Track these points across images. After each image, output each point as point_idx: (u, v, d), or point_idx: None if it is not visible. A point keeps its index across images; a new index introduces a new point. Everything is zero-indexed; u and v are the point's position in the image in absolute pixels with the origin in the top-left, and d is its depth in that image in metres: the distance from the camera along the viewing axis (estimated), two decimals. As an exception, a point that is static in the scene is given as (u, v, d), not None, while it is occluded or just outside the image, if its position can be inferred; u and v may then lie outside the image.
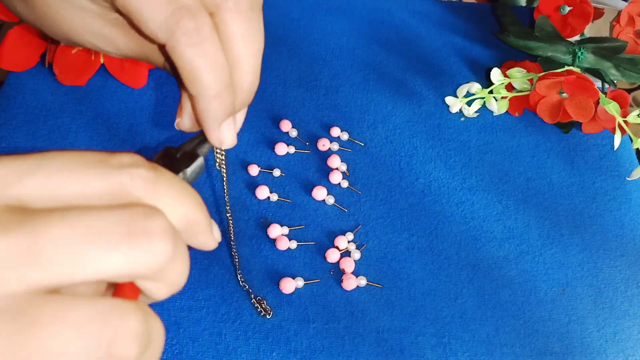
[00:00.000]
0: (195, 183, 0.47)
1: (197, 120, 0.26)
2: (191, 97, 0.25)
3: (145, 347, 0.16)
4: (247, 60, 0.26)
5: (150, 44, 0.26)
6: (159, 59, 0.27)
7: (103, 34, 0.26)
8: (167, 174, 0.18)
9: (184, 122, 0.27)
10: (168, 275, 0.18)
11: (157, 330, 0.17)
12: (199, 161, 0.24)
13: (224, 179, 0.32)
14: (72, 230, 0.15)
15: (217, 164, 0.29)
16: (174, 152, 0.24)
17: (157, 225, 0.16)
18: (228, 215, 0.37)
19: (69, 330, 0.15)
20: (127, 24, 0.26)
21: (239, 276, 0.42)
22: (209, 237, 0.20)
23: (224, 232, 0.45)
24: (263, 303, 0.42)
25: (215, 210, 0.46)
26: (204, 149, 0.25)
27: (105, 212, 0.16)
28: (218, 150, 0.28)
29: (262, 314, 0.41)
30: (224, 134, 0.26)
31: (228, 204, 0.35)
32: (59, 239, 0.15)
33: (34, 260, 0.15)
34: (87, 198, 0.17)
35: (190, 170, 0.23)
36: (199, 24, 0.23)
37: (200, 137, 0.26)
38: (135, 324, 0.16)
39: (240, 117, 0.28)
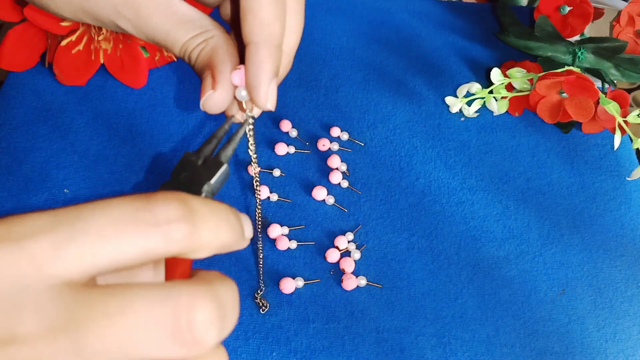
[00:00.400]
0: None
1: (248, 79, 0.25)
2: (249, 51, 0.25)
3: (222, 324, 0.16)
4: (292, 37, 0.27)
5: (175, 21, 0.26)
6: (179, 39, 0.26)
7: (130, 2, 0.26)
8: (202, 214, 0.18)
9: (219, 94, 0.26)
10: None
11: (230, 297, 0.17)
12: (224, 169, 0.23)
13: (254, 160, 0.30)
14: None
15: (250, 148, 0.28)
16: (195, 159, 0.23)
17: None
18: (258, 214, 0.35)
19: (140, 320, 0.15)
20: None
21: (261, 283, 0.42)
22: (241, 245, 0.20)
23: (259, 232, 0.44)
24: (263, 299, 0.42)
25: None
26: (228, 151, 0.24)
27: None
28: (249, 129, 0.27)
29: (259, 307, 0.42)
30: (272, 93, 0.26)
31: (259, 205, 0.34)
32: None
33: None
34: (127, 260, 0.16)
35: (214, 180, 0.22)
36: None
37: (218, 137, 0.25)
38: (208, 308, 0.16)
39: (275, 89, 0.28)
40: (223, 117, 0.29)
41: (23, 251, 0.15)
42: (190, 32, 0.26)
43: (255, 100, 0.26)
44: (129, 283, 0.16)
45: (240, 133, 0.25)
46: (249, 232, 0.20)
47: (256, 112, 0.28)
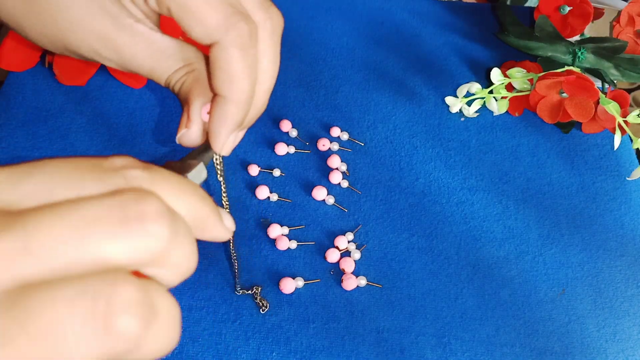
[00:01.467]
0: (204, 188, 0.47)
1: (210, 126, 0.26)
2: (216, 101, 0.26)
3: (147, 319, 0.15)
4: (266, 80, 0.28)
5: (157, 58, 0.26)
6: (162, 74, 0.27)
7: (111, 40, 0.26)
8: (162, 172, 0.18)
9: (192, 132, 0.27)
10: (172, 260, 0.17)
11: (165, 304, 0.16)
12: (199, 167, 0.24)
13: (223, 189, 0.32)
14: (63, 221, 0.15)
15: (218, 175, 0.30)
16: (174, 165, 0.24)
17: (150, 208, 0.16)
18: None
19: (60, 308, 0.14)
20: (140, 32, 0.26)
21: (237, 286, 0.42)
22: (220, 229, 0.20)
23: (248, 240, 0.45)
24: (263, 300, 0.42)
25: (241, 218, 0.46)
26: (205, 158, 0.25)
27: (95, 200, 0.16)
28: (218, 162, 0.29)
29: (259, 307, 0.41)
30: (229, 142, 0.27)
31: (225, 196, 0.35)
32: (49, 232, 0.15)
33: (26, 255, 0.14)
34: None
35: (190, 175, 0.23)
36: (252, 31, 0.25)
37: (200, 148, 0.26)
38: (129, 293, 0.15)
39: (241, 135, 0.29)
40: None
41: None
42: (173, 66, 0.27)
43: (212, 145, 0.26)
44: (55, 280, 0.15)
45: (206, 159, 0.26)
46: (228, 221, 0.21)
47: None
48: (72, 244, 0.15)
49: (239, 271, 0.42)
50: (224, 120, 0.26)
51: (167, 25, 0.47)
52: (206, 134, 0.27)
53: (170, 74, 0.27)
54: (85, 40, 0.26)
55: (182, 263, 0.17)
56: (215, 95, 0.26)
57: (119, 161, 0.17)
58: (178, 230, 0.17)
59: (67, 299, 0.14)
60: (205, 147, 0.27)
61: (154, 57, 0.26)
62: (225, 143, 0.26)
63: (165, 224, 0.16)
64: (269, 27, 0.27)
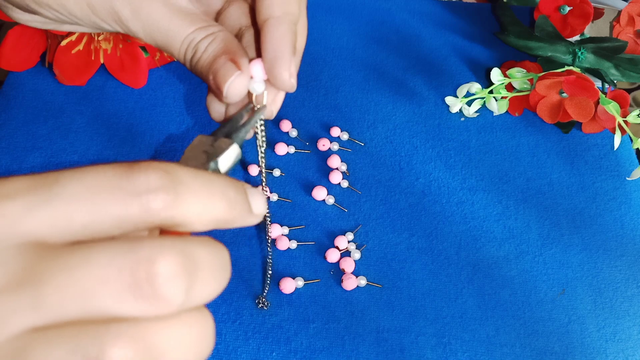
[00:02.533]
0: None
1: (267, 55, 0.24)
2: (267, 27, 0.24)
3: (190, 279, 0.15)
4: (301, 29, 0.27)
5: (174, 11, 0.25)
6: (180, 31, 0.25)
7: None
8: (187, 184, 0.17)
9: (244, 77, 0.24)
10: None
11: (207, 255, 0.16)
12: (234, 148, 0.21)
13: (261, 157, 0.29)
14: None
15: (259, 142, 0.27)
16: (207, 141, 0.22)
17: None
18: (267, 214, 0.34)
19: (98, 271, 0.15)
20: None
21: (266, 290, 0.42)
22: (246, 223, 0.19)
23: (248, 240, 0.44)
24: (263, 298, 0.42)
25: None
26: (241, 133, 0.23)
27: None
28: (259, 125, 0.26)
29: (259, 306, 0.41)
30: (294, 70, 0.25)
31: (267, 191, 0.32)
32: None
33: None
34: (103, 227, 0.16)
35: (222, 159, 0.21)
36: None
37: (233, 121, 0.24)
38: (172, 261, 0.15)
39: (281, 95, 0.27)
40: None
41: None
42: (193, 25, 0.25)
43: (278, 77, 0.24)
44: (98, 240, 0.16)
45: (254, 119, 0.24)
46: (258, 207, 0.19)
47: (271, 108, 0.27)
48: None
49: (269, 284, 0.42)
50: (283, 40, 0.24)
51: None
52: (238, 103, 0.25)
53: (191, 31, 0.25)
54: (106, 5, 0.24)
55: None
56: (265, 22, 0.24)
57: (143, 181, 0.16)
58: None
59: (101, 264, 0.15)
60: (236, 121, 0.24)
61: (173, 9, 0.25)
62: (290, 69, 0.24)
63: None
64: None
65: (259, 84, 0.25)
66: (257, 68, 0.25)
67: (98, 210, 0.16)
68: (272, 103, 0.27)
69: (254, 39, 0.29)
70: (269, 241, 0.38)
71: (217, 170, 0.20)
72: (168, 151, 0.49)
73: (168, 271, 0.15)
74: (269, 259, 0.40)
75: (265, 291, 0.42)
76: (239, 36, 0.29)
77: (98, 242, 0.15)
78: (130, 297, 0.15)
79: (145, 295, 0.15)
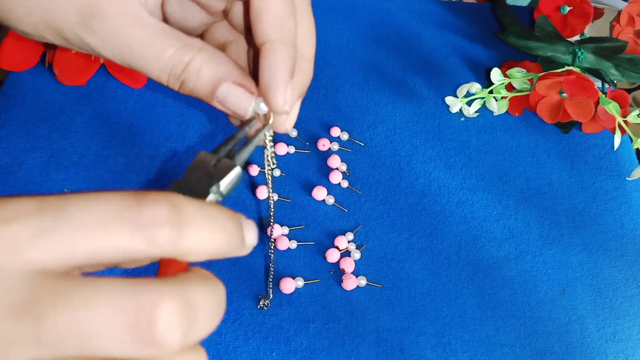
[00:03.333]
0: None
1: (263, 81, 0.24)
2: (263, 52, 0.23)
3: (188, 326, 0.16)
4: (309, 48, 0.26)
5: (150, 34, 0.23)
6: (157, 55, 0.24)
7: (97, 12, 0.23)
8: (192, 219, 0.17)
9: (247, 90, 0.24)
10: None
11: (205, 300, 0.16)
12: (235, 171, 0.22)
13: (268, 180, 0.29)
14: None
15: (266, 161, 0.27)
16: (209, 160, 0.22)
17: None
18: (271, 224, 0.34)
19: (100, 313, 0.15)
20: (130, 3, 0.23)
21: (269, 294, 0.42)
22: (240, 253, 0.19)
23: (259, 232, 0.44)
24: (265, 300, 0.42)
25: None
26: (243, 154, 0.23)
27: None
28: (268, 141, 0.26)
29: (259, 306, 0.41)
30: (288, 98, 0.24)
31: (272, 212, 0.33)
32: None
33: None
34: (107, 257, 0.16)
35: (224, 182, 0.21)
36: None
37: (236, 139, 0.23)
38: (173, 308, 0.15)
39: (298, 105, 0.27)
40: (228, 123, 0.29)
41: (3, 234, 0.15)
42: (170, 46, 0.23)
43: (272, 103, 0.24)
44: (101, 277, 0.16)
45: (258, 138, 0.24)
46: (250, 240, 0.19)
47: (282, 123, 0.26)
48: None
49: (272, 285, 0.42)
50: (278, 66, 0.23)
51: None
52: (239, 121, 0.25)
53: (171, 53, 0.23)
54: (71, 14, 0.23)
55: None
56: (262, 46, 0.24)
57: (150, 214, 0.16)
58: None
59: (107, 302, 0.15)
60: (239, 136, 0.24)
61: (145, 32, 0.23)
62: (285, 95, 0.24)
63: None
64: None
65: (263, 105, 0.25)
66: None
67: (104, 241, 0.16)
68: (286, 120, 0.26)
69: (242, 51, 0.28)
70: (272, 245, 0.38)
71: (219, 193, 0.21)
72: (168, 151, 0.49)
73: (168, 318, 0.15)
74: (271, 264, 0.40)
75: (270, 293, 0.42)
76: (222, 50, 0.29)
77: (101, 280, 0.16)
78: (129, 340, 0.15)
79: (145, 339, 0.15)
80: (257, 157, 0.49)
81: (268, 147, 0.26)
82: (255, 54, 0.25)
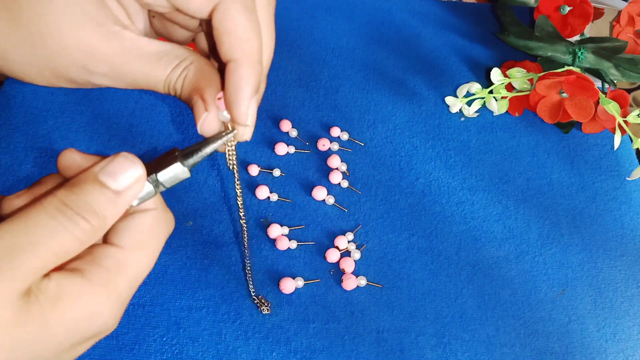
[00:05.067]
0: (205, 187, 0.47)
1: (227, 97, 0.25)
2: (228, 70, 0.25)
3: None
4: (266, 56, 0.27)
5: (151, 61, 0.25)
6: (159, 77, 0.26)
7: (100, 52, 0.25)
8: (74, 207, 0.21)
9: (213, 115, 0.26)
10: None
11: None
12: (175, 167, 0.24)
13: (236, 180, 0.31)
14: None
15: (228, 163, 0.29)
16: (176, 154, 0.24)
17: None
18: (242, 222, 0.35)
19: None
20: (128, 38, 0.25)
21: (251, 289, 0.42)
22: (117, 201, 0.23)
23: (238, 240, 0.45)
24: (263, 299, 0.42)
25: (229, 218, 0.46)
26: (193, 157, 0.25)
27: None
28: (230, 148, 0.28)
29: (259, 308, 0.41)
30: (250, 112, 0.26)
31: (242, 210, 0.34)
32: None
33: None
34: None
35: (163, 174, 0.24)
36: None
37: (202, 143, 0.26)
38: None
39: (254, 110, 0.28)
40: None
41: None
42: (169, 66, 0.26)
43: (235, 118, 0.26)
44: None
45: (214, 144, 0.26)
46: (120, 185, 0.22)
47: (242, 134, 0.28)
48: None
49: (253, 279, 0.42)
50: (240, 85, 0.25)
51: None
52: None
53: (168, 73, 0.26)
54: (74, 57, 0.25)
55: None
56: (227, 64, 0.25)
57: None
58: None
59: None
60: (206, 142, 0.26)
61: (147, 61, 0.25)
62: (247, 111, 0.25)
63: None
64: None
65: (225, 113, 0.26)
66: (222, 101, 0.26)
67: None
68: (245, 130, 0.28)
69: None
70: (245, 247, 0.37)
71: (155, 182, 0.24)
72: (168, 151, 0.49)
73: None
74: (247, 259, 0.40)
75: (252, 291, 0.42)
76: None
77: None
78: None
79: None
80: (257, 156, 0.49)
81: (230, 154, 0.28)
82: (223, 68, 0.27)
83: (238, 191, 0.32)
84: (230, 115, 0.26)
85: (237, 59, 0.25)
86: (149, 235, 0.24)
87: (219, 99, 0.26)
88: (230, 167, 0.30)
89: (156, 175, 0.24)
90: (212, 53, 0.30)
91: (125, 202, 0.23)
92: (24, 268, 0.20)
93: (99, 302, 0.22)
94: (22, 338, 0.20)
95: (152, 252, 0.24)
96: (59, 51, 0.25)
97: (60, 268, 0.22)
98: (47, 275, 0.21)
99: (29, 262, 0.20)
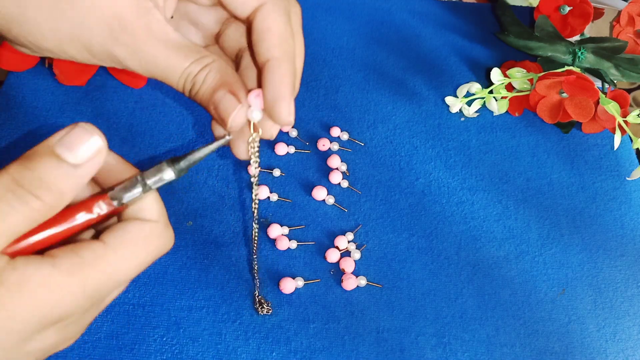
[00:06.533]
0: (205, 187, 0.47)
1: (269, 96, 0.25)
2: (267, 68, 0.25)
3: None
4: (300, 48, 0.28)
5: (172, 48, 0.25)
6: (178, 66, 0.26)
7: (127, 25, 0.25)
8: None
9: (244, 109, 0.26)
10: None
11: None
12: (159, 166, 0.24)
13: (255, 179, 0.31)
14: None
15: (252, 160, 0.29)
16: (177, 157, 0.25)
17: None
18: (255, 225, 0.35)
19: None
20: (157, 19, 0.25)
21: (256, 294, 0.42)
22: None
23: (238, 240, 0.44)
24: (262, 300, 0.42)
25: (229, 218, 0.46)
26: (184, 161, 0.25)
27: None
28: (254, 151, 0.28)
29: (259, 310, 0.41)
30: (292, 109, 0.26)
31: (256, 214, 0.33)
32: None
33: None
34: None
35: (149, 176, 0.24)
36: (287, 1, 0.26)
37: (208, 148, 0.26)
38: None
39: (293, 108, 0.28)
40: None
41: None
42: (190, 57, 0.25)
43: (278, 115, 0.26)
44: None
45: (208, 148, 0.26)
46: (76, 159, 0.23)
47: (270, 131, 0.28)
48: None
49: (259, 287, 0.42)
50: (283, 81, 0.25)
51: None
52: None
53: (188, 64, 0.25)
54: (102, 19, 0.25)
55: None
56: (266, 63, 0.26)
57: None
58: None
59: None
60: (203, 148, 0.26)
61: (170, 47, 0.25)
62: (291, 108, 0.26)
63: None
64: (299, 9, 0.28)
65: (257, 112, 0.26)
66: (255, 100, 0.26)
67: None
68: (271, 127, 0.28)
69: (252, 61, 0.30)
70: (254, 246, 0.38)
71: (142, 184, 0.24)
72: (168, 151, 0.49)
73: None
74: (254, 262, 0.40)
75: (257, 291, 0.42)
76: (238, 57, 0.30)
77: None
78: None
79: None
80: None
81: (254, 157, 0.29)
82: (258, 70, 0.27)
83: (254, 194, 0.32)
84: (274, 114, 0.26)
85: (278, 57, 0.25)
86: (139, 242, 0.23)
87: (257, 96, 0.26)
88: (254, 170, 0.30)
89: (142, 176, 0.24)
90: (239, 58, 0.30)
91: (84, 176, 0.22)
92: None
93: (62, 289, 0.21)
94: None
95: (138, 259, 0.23)
96: (89, 11, 0.24)
97: (39, 252, 0.22)
98: (12, 259, 0.21)
99: None
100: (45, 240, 0.23)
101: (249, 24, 0.27)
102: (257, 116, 0.26)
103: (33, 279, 0.21)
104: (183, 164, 0.25)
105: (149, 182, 0.24)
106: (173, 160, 0.24)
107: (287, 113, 0.26)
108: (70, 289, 0.21)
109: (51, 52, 0.26)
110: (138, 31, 0.25)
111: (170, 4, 0.28)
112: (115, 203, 0.24)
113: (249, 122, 0.27)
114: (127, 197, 0.24)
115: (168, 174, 0.24)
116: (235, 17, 0.29)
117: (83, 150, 0.22)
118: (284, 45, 0.26)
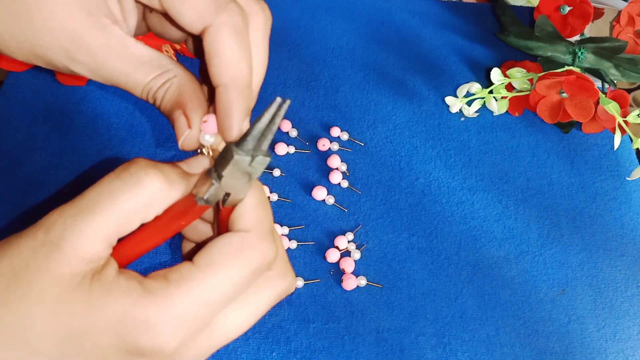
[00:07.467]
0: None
1: (219, 120, 0.25)
2: (218, 93, 0.25)
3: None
4: (257, 75, 0.27)
5: (132, 63, 0.25)
6: (138, 81, 0.25)
7: (84, 41, 0.24)
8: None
9: (195, 132, 0.25)
10: None
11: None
12: (231, 160, 0.23)
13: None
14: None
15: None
16: (231, 148, 0.24)
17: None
18: None
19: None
20: (115, 34, 0.24)
21: None
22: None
23: None
24: None
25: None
26: (260, 123, 0.23)
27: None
28: (213, 155, 0.27)
29: None
30: (242, 129, 0.25)
31: None
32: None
33: None
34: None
35: (223, 168, 0.23)
36: (243, 15, 0.25)
37: (261, 123, 0.24)
38: None
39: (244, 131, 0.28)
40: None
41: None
42: (150, 73, 0.25)
43: (227, 138, 0.25)
44: None
45: (275, 122, 0.24)
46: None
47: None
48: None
49: None
50: (231, 110, 0.25)
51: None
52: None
53: (148, 81, 0.25)
54: (58, 40, 0.24)
55: None
56: (216, 88, 0.25)
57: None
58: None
59: None
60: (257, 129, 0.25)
61: (129, 61, 0.25)
62: (240, 130, 0.25)
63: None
64: (262, 18, 0.26)
65: (208, 136, 0.26)
66: (206, 125, 0.26)
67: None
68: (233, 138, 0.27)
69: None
70: None
71: (214, 175, 0.23)
72: (168, 151, 0.49)
73: None
74: None
75: None
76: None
77: None
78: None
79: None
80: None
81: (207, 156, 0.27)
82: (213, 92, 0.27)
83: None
84: (224, 136, 0.25)
85: (226, 83, 0.25)
86: (228, 256, 0.22)
87: (204, 121, 0.25)
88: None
89: (215, 169, 0.23)
90: (202, 63, 0.30)
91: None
92: (91, 229, 0.21)
93: (144, 309, 0.20)
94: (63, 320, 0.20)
95: (227, 275, 0.22)
96: (42, 30, 0.24)
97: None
98: (121, 273, 0.21)
99: (97, 223, 0.21)
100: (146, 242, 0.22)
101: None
102: (209, 140, 0.26)
103: (119, 290, 0.21)
104: (249, 143, 0.23)
105: (221, 172, 0.23)
106: (236, 142, 0.23)
107: (236, 135, 0.25)
108: (155, 310, 0.21)
109: (18, 57, 0.26)
110: (96, 50, 0.24)
111: (132, 13, 0.27)
112: (200, 202, 0.23)
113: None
114: (208, 199, 0.23)
115: (235, 163, 0.23)
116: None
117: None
118: (232, 71, 0.24)
